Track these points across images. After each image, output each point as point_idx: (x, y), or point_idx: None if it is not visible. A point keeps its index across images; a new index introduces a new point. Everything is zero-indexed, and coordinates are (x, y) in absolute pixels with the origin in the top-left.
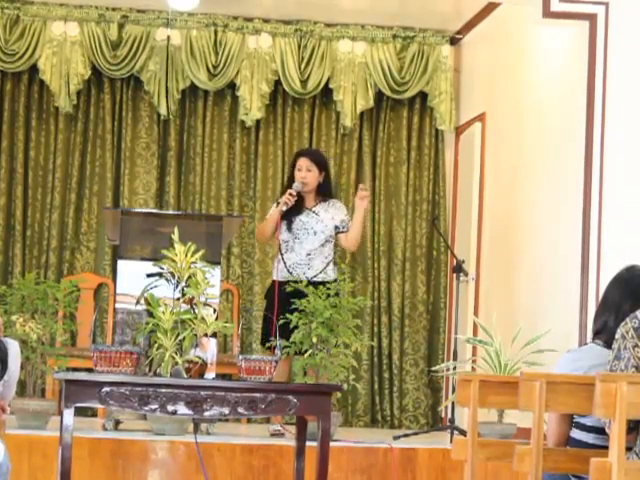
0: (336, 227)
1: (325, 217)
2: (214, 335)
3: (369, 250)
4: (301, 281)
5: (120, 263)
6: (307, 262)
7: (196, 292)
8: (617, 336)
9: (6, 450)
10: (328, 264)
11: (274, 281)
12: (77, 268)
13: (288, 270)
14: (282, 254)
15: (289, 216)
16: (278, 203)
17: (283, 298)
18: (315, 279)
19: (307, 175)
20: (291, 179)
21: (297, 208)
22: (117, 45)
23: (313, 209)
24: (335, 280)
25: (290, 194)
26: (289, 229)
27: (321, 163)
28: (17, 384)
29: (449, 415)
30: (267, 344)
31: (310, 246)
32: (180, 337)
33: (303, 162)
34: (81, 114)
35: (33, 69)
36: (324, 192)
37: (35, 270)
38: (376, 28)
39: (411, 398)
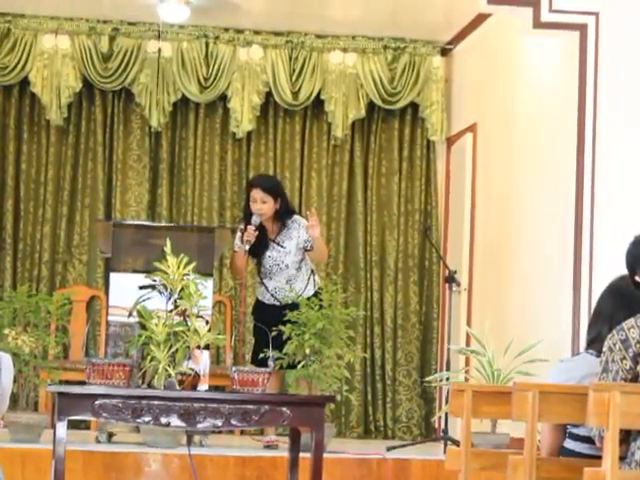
0: (304, 248)
1: (290, 246)
2: (207, 347)
3: (361, 261)
4: (283, 304)
5: (112, 275)
6: (288, 287)
7: (189, 304)
8: (604, 349)
9: None
10: (309, 281)
11: (258, 300)
12: (69, 281)
13: (272, 294)
14: (262, 279)
15: (256, 252)
16: (242, 233)
17: (271, 316)
18: (298, 300)
19: (263, 207)
20: (247, 207)
21: (262, 241)
22: (108, 58)
23: (277, 240)
24: (315, 293)
25: (250, 232)
26: (261, 264)
27: (274, 191)
28: (10, 397)
29: (442, 425)
30: (260, 355)
31: (286, 275)
32: (173, 349)
33: (256, 194)
34: (72, 127)
35: (24, 82)
36: (283, 217)
37: (27, 283)
38: (367, 39)
39: (404, 409)
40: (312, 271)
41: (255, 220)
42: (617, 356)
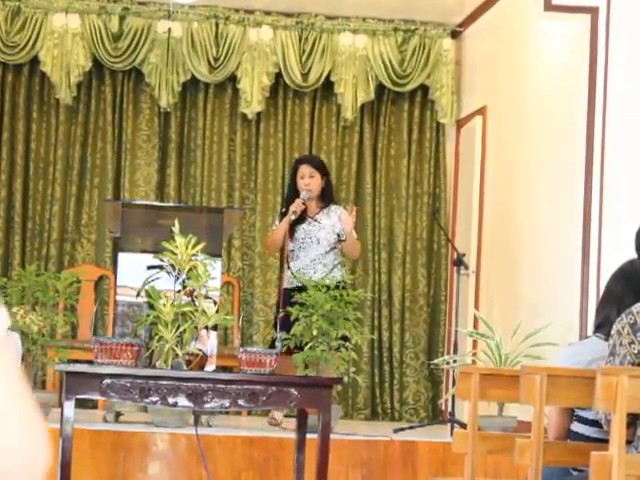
0: (338, 235)
1: (327, 224)
2: (214, 328)
3: (370, 243)
4: (305, 286)
5: (121, 255)
6: (312, 267)
7: (197, 284)
8: (613, 332)
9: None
10: (334, 267)
11: (282, 289)
12: (78, 260)
13: (295, 276)
14: (288, 263)
15: (292, 225)
16: (282, 215)
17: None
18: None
19: (310, 182)
20: (292, 187)
21: (300, 217)
22: (118, 37)
23: (315, 217)
24: (342, 281)
25: (298, 203)
26: (292, 238)
27: (322, 168)
28: None
29: (449, 408)
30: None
31: (314, 253)
32: (181, 329)
33: (305, 170)
34: (82, 106)
35: (34, 61)
36: (327, 198)
37: (36, 262)
38: (377, 21)
39: (411, 391)
40: (340, 262)
41: (305, 195)
42: (625, 340)
